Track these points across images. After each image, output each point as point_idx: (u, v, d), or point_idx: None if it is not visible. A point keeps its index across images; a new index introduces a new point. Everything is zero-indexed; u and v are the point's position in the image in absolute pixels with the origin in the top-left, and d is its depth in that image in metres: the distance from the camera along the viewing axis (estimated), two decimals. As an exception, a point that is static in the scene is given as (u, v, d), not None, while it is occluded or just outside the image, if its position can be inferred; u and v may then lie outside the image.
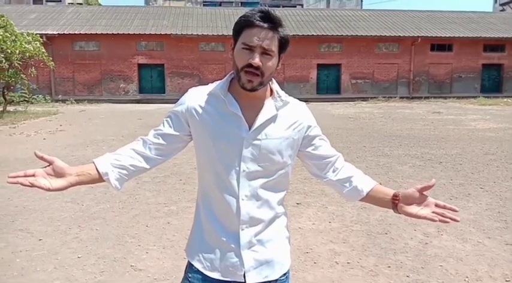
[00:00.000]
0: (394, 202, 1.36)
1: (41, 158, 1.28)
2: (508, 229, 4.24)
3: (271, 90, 1.43)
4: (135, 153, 1.40)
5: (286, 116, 1.41)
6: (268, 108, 1.39)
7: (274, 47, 1.30)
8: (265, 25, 1.28)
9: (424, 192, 1.33)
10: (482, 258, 3.56)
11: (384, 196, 1.40)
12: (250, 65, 1.28)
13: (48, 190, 1.25)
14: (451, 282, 3.15)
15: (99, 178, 1.34)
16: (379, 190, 1.42)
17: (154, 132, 1.43)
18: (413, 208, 1.34)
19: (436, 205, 1.32)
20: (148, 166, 1.42)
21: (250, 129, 1.36)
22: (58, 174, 1.28)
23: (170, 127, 1.42)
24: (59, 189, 1.27)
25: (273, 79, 1.41)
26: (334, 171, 1.47)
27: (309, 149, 1.47)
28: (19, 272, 3.28)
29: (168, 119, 1.43)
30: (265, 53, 1.29)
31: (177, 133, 1.42)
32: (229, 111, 1.36)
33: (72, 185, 1.30)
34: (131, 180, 1.45)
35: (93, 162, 1.35)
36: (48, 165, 1.28)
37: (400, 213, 1.37)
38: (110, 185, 1.36)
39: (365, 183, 1.43)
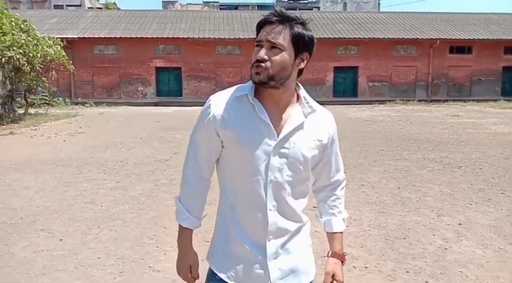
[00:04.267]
0: (327, 257, 1.53)
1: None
2: (531, 235, 4.15)
3: (298, 96, 1.40)
4: (201, 189, 1.47)
5: (314, 124, 1.38)
6: (296, 114, 1.35)
7: (283, 41, 1.26)
8: (274, 19, 1.28)
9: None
10: (504, 265, 3.48)
11: (331, 245, 1.54)
12: (258, 60, 1.28)
13: None
14: (471, 289, 3.10)
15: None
16: (334, 238, 1.54)
17: (196, 159, 1.41)
18: (327, 268, 1.50)
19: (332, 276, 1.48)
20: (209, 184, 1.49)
21: (278, 136, 1.31)
22: None
23: (208, 147, 1.39)
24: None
25: (300, 85, 1.40)
26: (328, 195, 1.56)
27: (322, 162, 1.46)
28: (41, 271, 3.35)
29: (200, 138, 1.39)
30: (273, 46, 1.26)
31: (214, 147, 1.38)
32: (257, 118, 1.30)
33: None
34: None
35: (186, 228, 1.45)
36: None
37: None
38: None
39: (336, 225, 1.54)
